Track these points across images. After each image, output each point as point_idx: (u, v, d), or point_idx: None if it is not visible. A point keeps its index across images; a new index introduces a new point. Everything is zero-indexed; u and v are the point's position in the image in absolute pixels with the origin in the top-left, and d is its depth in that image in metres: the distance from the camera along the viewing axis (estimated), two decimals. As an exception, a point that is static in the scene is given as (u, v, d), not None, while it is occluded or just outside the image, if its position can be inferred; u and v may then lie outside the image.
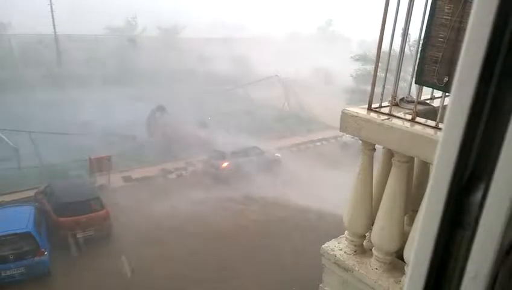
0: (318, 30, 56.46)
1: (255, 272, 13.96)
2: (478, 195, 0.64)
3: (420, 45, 3.49)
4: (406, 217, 4.11)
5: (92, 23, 37.68)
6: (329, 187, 16.66)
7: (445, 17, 3.24)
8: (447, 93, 3.52)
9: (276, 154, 23.20)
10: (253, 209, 17.85)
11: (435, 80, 3.38)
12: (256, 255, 14.79)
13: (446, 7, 3.24)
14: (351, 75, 31.64)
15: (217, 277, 13.78)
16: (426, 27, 3.41)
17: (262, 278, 13.62)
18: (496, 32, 0.60)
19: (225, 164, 21.13)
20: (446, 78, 3.28)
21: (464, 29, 2.90)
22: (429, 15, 3.36)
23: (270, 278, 13.60)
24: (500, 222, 0.61)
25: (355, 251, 4.15)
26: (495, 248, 0.63)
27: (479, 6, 0.61)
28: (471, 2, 3.05)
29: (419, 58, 3.50)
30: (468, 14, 3.04)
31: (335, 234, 4.31)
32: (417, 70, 3.55)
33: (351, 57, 32.31)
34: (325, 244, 4.32)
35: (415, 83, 3.64)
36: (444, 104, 3.52)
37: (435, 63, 3.36)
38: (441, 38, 3.29)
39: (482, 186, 0.64)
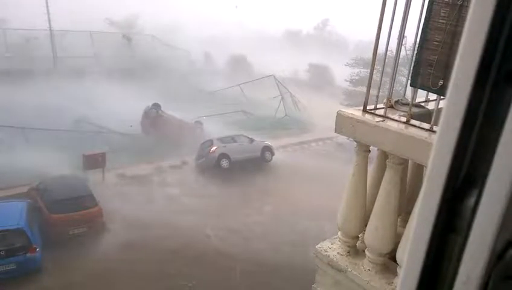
0: (315, 30, 56.49)
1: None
2: (471, 200, 0.64)
3: (416, 48, 3.50)
4: (399, 219, 4.13)
5: (89, 20, 37.47)
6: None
7: (440, 21, 3.26)
8: (441, 96, 3.54)
9: (266, 142, 23.32)
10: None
11: (430, 83, 3.40)
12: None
13: (442, 11, 3.25)
14: (346, 80, 31.75)
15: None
16: (422, 30, 3.42)
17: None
18: (492, 37, 0.61)
19: (213, 148, 21.41)
20: (441, 82, 3.30)
21: (460, 33, 2.93)
22: (425, 18, 3.37)
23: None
24: (493, 227, 0.62)
25: (348, 252, 4.16)
26: (487, 252, 0.63)
27: (475, 11, 0.61)
28: (466, 6, 3.06)
29: (415, 62, 3.52)
30: (463, 18, 3.06)
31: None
32: (412, 73, 3.56)
33: (346, 64, 32.45)
34: (319, 245, 4.33)
35: (410, 85, 3.66)
36: (439, 107, 3.54)
37: (430, 66, 3.37)
38: (437, 41, 3.31)
39: (475, 191, 0.64)
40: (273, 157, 23.10)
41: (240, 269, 13.68)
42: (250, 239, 15.78)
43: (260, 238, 15.71)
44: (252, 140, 22.83)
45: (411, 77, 3.60)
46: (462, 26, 3.14)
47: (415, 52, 3.52)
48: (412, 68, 3.58)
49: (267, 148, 23.02)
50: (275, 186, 20.13)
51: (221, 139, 22.15)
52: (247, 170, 21.13)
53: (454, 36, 3.18)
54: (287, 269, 13.20)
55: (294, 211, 17.16)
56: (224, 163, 21.26)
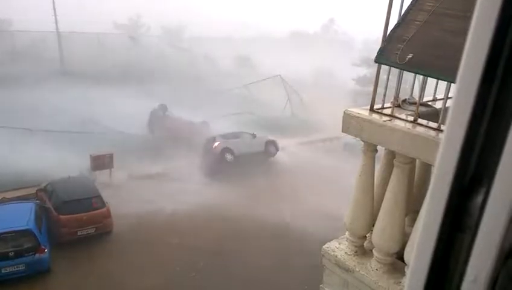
0: (321, 29, 56.38)
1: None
2: (479, 198, 0.64)
3: (392, 27, 3.41)
4: (406, 218, 4.11)
5: (96, 21, 37.69)
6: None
7: (428, 3, 3.21)
8: (449, 96, 3.51)
9: (269, 137, 23.42)
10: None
11: (396, 58, 3.29)
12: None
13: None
14: (353, 79, 31.64)
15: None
16: (405, 11, 3.36)
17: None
18: (499, 34, 0.60)
19: (216, 144, 21.81)
20: (410, 55, 3.20)
21: (448, 15, 2.86)
22: (413, 1, 3.33)
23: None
24: (501, 226, 0.61)
25: (355, 252, 4.15)
26: (495, 251, 0.62)
27: (481, 7, 0.60)
28: None
29: (386, 38, 3.42)
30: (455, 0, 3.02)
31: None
32: (379, 49, 3.44)
33: (353, 64, 32.33)
34: (326, 245, 4.32)
35: (375, 61, 3.53)
36: (446, 105, 3.52)
37: (401, 42, 3.27)
38: (417, 21, 3.24)
39: (483, 190, 0.63)
40: (280, 159, 23.10)
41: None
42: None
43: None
44: (254, 136, 23.09)
45: (377, 53, 3.47)
46: (449, 8, 3.10)
47: (391, 29, 3.41)
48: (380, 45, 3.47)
49: (271, 142, 23.23)
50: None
51: (224, 136, 22.50)
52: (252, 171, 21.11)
53: (439, 17, 3.11)
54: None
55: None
56: (229, 157, 21.45)
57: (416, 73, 3.49)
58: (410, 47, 3.23)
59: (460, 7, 2.96)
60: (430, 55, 3.11)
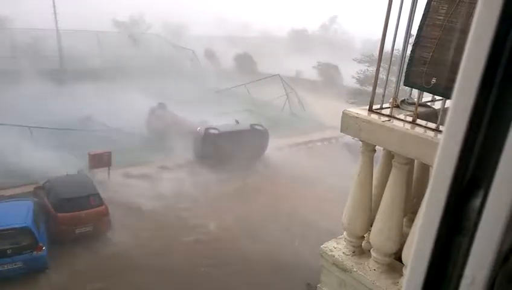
0: (321, 28, 56.38)
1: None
2: (477, 201, 0.64)
3: (406, 46, 3.47)
4: (405, 219, 4.12)
5: (96, 19, 37.66)
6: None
7: (439, 17, 3.22)
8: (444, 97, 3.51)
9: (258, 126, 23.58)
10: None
11: (423, 82, 3.34)
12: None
13: (441, 7, 3.21)
14: (353, 76, 31.60)
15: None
16: (419, 27, 3.38)
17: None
18: (498, 38, 0.60)
19: (199, 127, 22.27)
20: (434, 80, 3.24)
21: (457, 30, 2.86)
22: (423, 15, 3.34)
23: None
24: (499, 229, 0.61)
25: (353, 252, 4.15)
26: (493, 254, 0.62)
27: (481, 11, 0.60)
28: (464, 2, 3.02)
29: (409, 60, 3.47)
30: (461, 14, 3.03)
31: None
32: (406, 72, 3.51)
33: (353, 60, 32.24)
34: (324, 245, 4.32)
35: (404, 84, 3.61)
36: (445, 106, 3.52)
37: (423, 64, 3.32)
38: (432, 38, 3.25)
39: (481, 192, 0.63)
40: (273, 159, 23.07)
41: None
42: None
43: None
44: (237, 122, 23.68)
45: (404, 76, 3.54)
46: (459, 22, 3.11)
47: (411, 50, 3.47)
48: (405, 67, 3.53)
49: (256, 124, 23.36)
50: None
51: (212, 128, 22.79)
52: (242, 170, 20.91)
53: (450, 32, 3.13)
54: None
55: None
56: (213, 130, 21.72)
57: (441, 96, 3.54)
58: (431, 69, 3.26)
59: (464, 19, 2.97)
60: (449, 79, 3.13)
